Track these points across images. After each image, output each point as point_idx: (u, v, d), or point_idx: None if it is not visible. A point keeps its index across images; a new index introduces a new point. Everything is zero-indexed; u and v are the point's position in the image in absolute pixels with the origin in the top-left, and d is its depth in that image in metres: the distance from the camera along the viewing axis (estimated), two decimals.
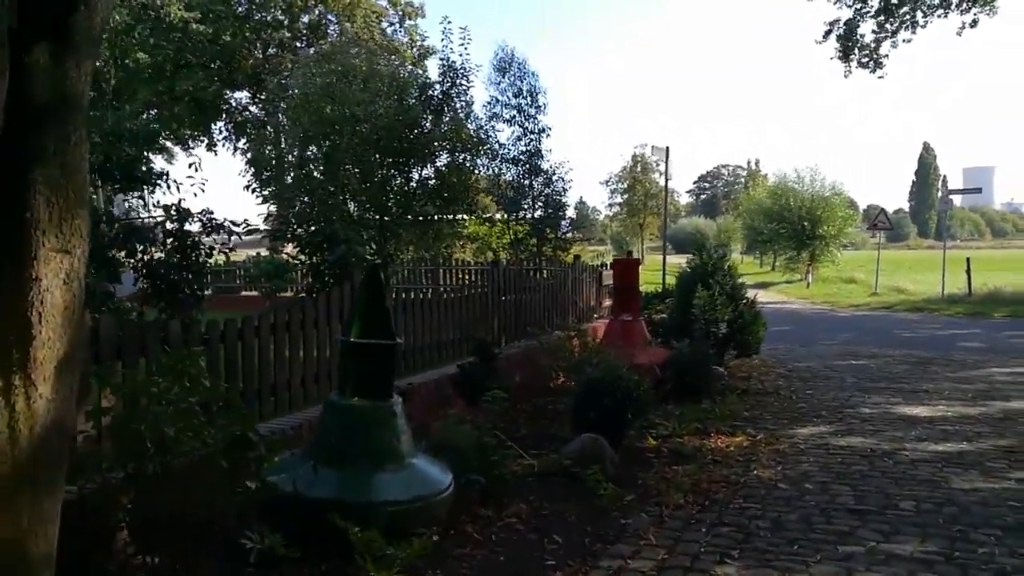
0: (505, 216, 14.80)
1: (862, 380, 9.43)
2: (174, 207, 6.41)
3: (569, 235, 15.17)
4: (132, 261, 6.17)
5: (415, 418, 6.16)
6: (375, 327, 4.29)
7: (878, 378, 9.58)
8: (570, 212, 16.64)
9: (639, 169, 70.69)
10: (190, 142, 30.99)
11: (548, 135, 14.98)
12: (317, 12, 26.79)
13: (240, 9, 26.71)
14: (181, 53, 25.13)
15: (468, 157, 12.41)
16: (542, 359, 7.89)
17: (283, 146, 11.98)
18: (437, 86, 11.92)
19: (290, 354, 5.30)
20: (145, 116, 28.59)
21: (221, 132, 27.12)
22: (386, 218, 11.99)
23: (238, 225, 6.61)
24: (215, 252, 6.74)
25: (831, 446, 6.41)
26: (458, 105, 12.35)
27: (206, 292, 6.40)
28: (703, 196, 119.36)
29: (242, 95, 25.85)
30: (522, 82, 14.84)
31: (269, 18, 26.50)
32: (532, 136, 14.64)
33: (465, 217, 20.01)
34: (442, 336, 7.25)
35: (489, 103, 14.73)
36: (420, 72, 12.86)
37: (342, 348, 4.38)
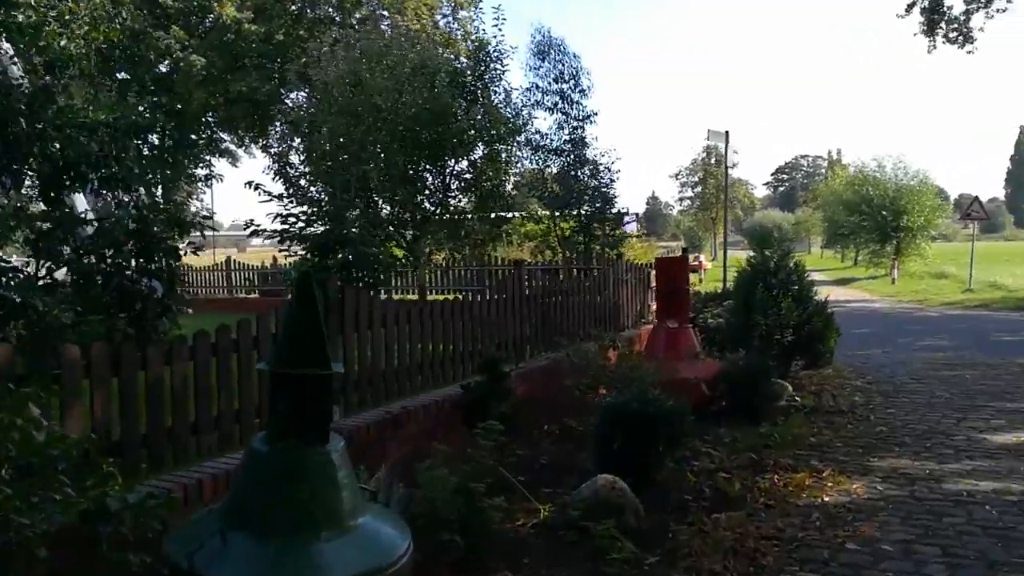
0: (549, 212, 13.76)
1: (956, 396, 8.01)
2: (131, 203, 5.67)
3: (618, 231, 14.03)
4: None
5: (408, 452, 5.25)
6: (306, 352, 3.35)
7: (975, 393, 8.14)
8: (625, 205, 15.47)
9: (712, 161, 68.34)
10: (250, 144, 31.10)
11: (593, 122, 13.92)
12: (370, 7, 26.25)
13: (293, 7, 26.46)
14: (235, 54, 25.03)
15: (505, 148, 11.45)
16: (569, 374, 6.85)
17: (304, 141, 11.28)
18: (468, 72, 10.99)
19: (240, 380, 4.43)
20: (204, 119, 28.94)
21: (276, 133, 26.92)
22: (419, 216, 11.15)
23: (209, 220, 5.84)
24: (184, 253, 5.96)
25: (917, 487, 5.16)
26: (493, 91, 11.41)
27: (175, 298, 5.59)
28: (781, 188, 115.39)
29: (300, 95, 25.59)
30: (563, 65, 13.84)
31: (321, 15, 26.12)
32: (576, 123, 13.61)
33: (517, 215, 19.13)
34: (449, 350, 6.29)
35: (529, 90, 13.79)
36: (452, 57, 11.95)
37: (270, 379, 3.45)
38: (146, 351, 3.91)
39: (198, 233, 6.04)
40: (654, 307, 9.03)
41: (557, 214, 13.54)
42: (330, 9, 26.25)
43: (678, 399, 5.42)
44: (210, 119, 29.00)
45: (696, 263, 31.69)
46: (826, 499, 4.95)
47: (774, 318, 8.34)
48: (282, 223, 8.15)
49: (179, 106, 27.56)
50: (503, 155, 11.62)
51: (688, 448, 5.70)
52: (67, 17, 6.80)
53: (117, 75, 7.20)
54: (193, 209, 35.79)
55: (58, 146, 6.29)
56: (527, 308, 7.27)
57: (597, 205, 12.92)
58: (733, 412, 6.82)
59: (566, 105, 13.98)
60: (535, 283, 7.72)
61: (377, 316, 5.47)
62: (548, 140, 13.78)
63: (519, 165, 13.85)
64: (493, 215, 12.45)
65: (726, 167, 16.25)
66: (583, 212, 13.05)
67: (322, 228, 7.91)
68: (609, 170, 13.68)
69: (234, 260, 20.76)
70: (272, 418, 3.36)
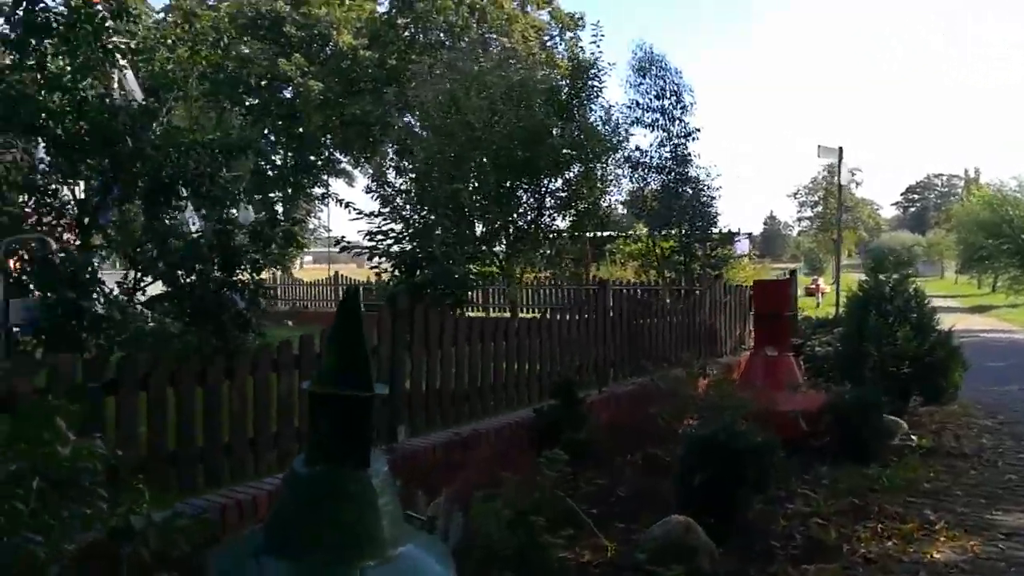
0: (648, 231, 13.34)
1: None
2: (216, 218, 5.81)
3: (721, 251, 13.41)
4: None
5: (474, 477, 5.05)
6: (347, 372, 3.22)
7: None
8: (735, 225, 14.84)
9: (834, 179, 65.28)
10: (366, 164, 32.15)
11: (696, 138, 13.41)
12: (479, 31, 26.69)
13: (407, 34, 27.26)
14: (351, 79, 26.01)
15: (601, 166, 11.19)
16: (655, 401, 6.46)
17: (404, 162, 11.43)
18: (565, 89, 10.83)
19: (302, 397, 4.36)
20: (322, 140, 30.17)
21: (388, 155, 27.75)
22: (512, 234, 11.04)
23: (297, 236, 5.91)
24: (262, 268, 6.05)
25: None
26: (590, 109, 11.20)
27: (255, 311, 5.67)
28: (912, 209, 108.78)
29: (406, 117, 26.35)
30: (664, 81, 13.41)
31: (432, 40, 26.76)
32: (678, 141, 13.15)
33: (621, 234, 18.71)
34: (524, 370, 6.06)
35: (629, 107, 13.45)
36: (549, 75, 11.83)
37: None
38: (205, 366, 3.90)
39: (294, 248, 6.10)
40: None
41: (657, 233, 13.12)
42: (440, 34, 26.87)
43: (772, 433, 4.96)
44: (327, 141, 30.18)
45: (814, 287, 30.06)
46: (937, 556, 4.36)
47: (888, 348, 7.62)
48: (370, 240, 8.23)
49: (300, 129, 28.93)
50: (599, 173, 11.36)
51: (781, 488, 5.21)
52: (170, 41, 7.13)
53: (219, 98, 7.55)
54: (311, 226, 37.23)
55: (157, 165, 6.57)
56: (612, 330, 6.95)
57: (698, 224, 12.41)
58: (837, 450, 6.22)
59: (667, 122, 13.57)
60: (622, 303, 7.38)
61: (448, 334, 5.32)
62: (648, 157, 13.41)
63: (618, 183, 13.54)
64: (591, 234, 12.19)
65: (839, 185, 15.32)
66: (683, 231, 12.57)
67: (410, 246, 7.91)
68: (711, 188, 13.16)
69: (342, 275, 21.43)
70: (311, 440, 3.24)
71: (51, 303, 4.38)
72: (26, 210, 6.36)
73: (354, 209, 9.22)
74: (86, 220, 6.78)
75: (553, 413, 5.35)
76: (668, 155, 13.50)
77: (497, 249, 11.51)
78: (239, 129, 24.56)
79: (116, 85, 7.29)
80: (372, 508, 3.17)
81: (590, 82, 11.23)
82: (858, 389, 6.64)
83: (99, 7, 6.62)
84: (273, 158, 32.74)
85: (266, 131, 31.21)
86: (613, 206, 14.10)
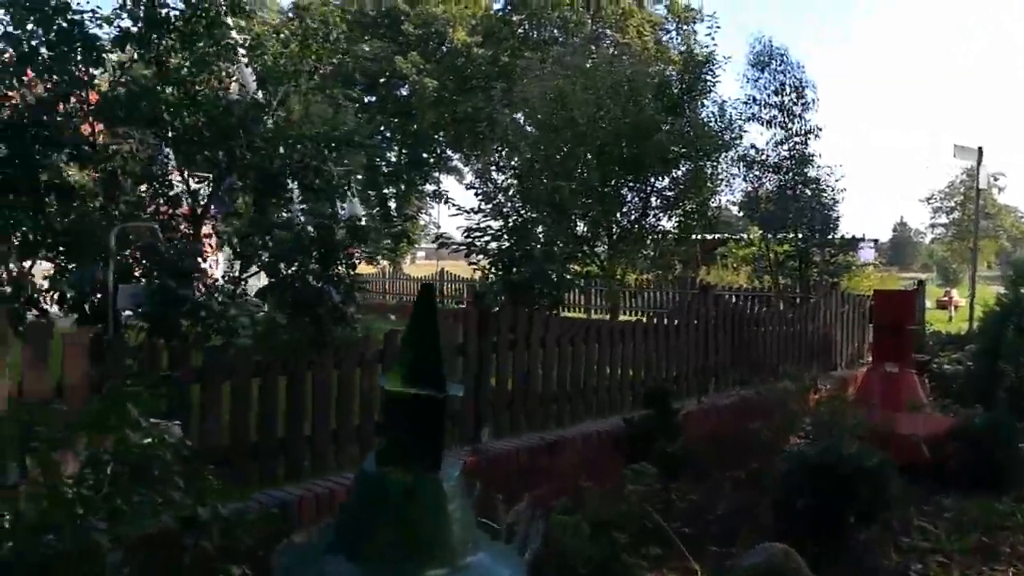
0: (761, 234, 12.70)
1: None
2: (318, 212, 5.87)
3: (842, 257, 12.58)
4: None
5: (561, 486, 4.87)
6: (420, 372, 3.10)
7: None
8: (859, 230, 13.99)
9: (973, 184, 60.67)
10: (475, 162, 32.49)
11: (817, 136, 12.63)
12: (594, 27, 26.38)
13: (520, 31, 27.30)
14: (464, 76, 26.32)
15: (711, 164, 10.70)
16: (759, 414, 6.07)
17: (508, 159, 11.33)
18: (675, 83, 10.41)
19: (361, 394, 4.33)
20: (435, 137, 30.68)
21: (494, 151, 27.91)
22: (614, 234, 10.74)
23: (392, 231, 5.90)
24: (357, 263, 6.06)
25: None
26: (701, 104, 10.71)
27: (350, 305, 5.69)
28: None
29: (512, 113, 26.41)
30: (784, 76, 12.70)
31: (546, 36, 26.68)
32: (798, 139, 12.44)
33: (734, 236, 17.99)
34: (617, 376, 5.82)
35: (745, 103, 12.83)
36: (659, 69, 11.40)
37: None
38: (288, 360, 3.91)
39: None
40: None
41: (771, 236, 12.46)
42: (555, 31, 26.74)
43: (888, 456, 4.52)
44: (439, 138, 30.68)
45: (946, 299, 27.95)
46: None
47: None
48: (467, 237, 8.20)
49: (414, 127, 29.58)
50: (708, 172, 10.89)
51: (896, 518, 4.74)
52: (282, 35, 7.29)
53: (333, 93, 7.71)
54: (422, 222, 38.00)
55: (266, 157, 6.73)
56: (714, 337, 6.59)
57: (817, 228, 11.68)
58: (964, 480, 5.64)
59: (786, 119, 12.87)
60: (727, 309, 6.99)
61: (536, 335, 5.15)
62: (764, 156, 12.77)
63: (731, 183, 12.96)
64: (700, 236, 11.71)
65: (977, 190, 14.06)
66: (800, 235, 11.87)
67: (508, 243, 7.80)
68: (832, 189, 12.37)
69: (448, 272, 21.68)
70: (383, 440, 3.16)
71: (153, 290, 4.51)
72: (143, 199, 6.65)
73: (453, 205, 9.27)
74: (199, 210, 7.04)
75: (645, 423, 5.08)
76: (786, 154, 12.82)
77: (599, 249, 11.24)
78: (354, 125, 25.46)
79: (232, 79, 7.53)
80: (442, 513, 3.06)
81: (703, 76, 10.76)
82: (991, 412, 6.02)
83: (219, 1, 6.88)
84: (388, 155, 33.77)
85: (381, 128, 32.17)
86: (725, 207, 13.53)
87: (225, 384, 3.67)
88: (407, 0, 30.13)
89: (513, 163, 10.99)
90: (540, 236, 8.08)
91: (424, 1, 29.60)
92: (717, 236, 18.72)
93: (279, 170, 6.55)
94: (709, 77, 11.07)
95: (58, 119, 5.55)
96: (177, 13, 6.12)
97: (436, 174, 32.30)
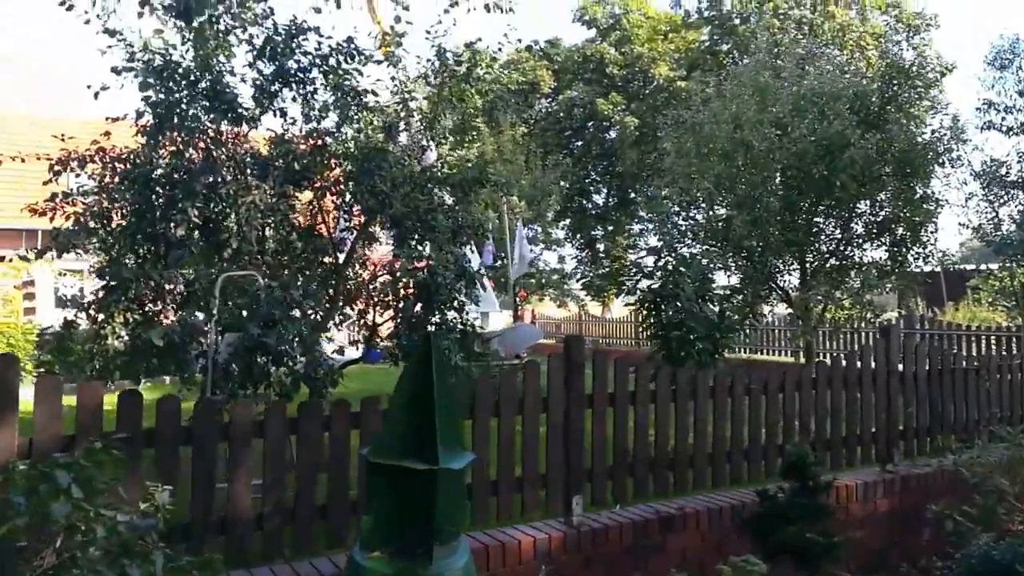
0: (1003, 263, 10.52)
1: None
2: (428, 257, 5.60)
3: None
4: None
5: (680, 568, 4.04)
6: (410, 438, 2.59)
7: None
8: None
9: None
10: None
11: None
12: (806, 47, 24.39)
13: (728, 59, 26.02)
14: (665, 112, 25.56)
15: (921, 182, 9.01)
16: (950, 492, 4.76)
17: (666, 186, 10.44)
18: (873, 94, 8.93)
19: None
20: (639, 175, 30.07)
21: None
22: (807, 266, 9.40)
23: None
24: (464, 305, 5.68)
25: None
26: (909, 113, 9.09)
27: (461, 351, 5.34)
28: None
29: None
30: None
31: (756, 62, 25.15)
32: None
33: (980, 268, 15.47)
34: (763, 437, 4.85)
35: (980, 109, 10.85)
36: (856, 80, 9.88)
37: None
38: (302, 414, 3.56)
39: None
40: None
41: (1014, 264, 10.29)
42: (764, 55, 25.12)
43: None
44: (645, 176, 30.00)
45: None
46: None
47: None
48: (620, 277, 7.54)
49: (619, 168, 29.24)
50: (921, 191, 9.20)
51: None
52: (428, 80, 7.24)
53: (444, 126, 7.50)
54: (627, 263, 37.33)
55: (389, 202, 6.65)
56: (901, 389, 5.33)
57: None
58: None
59: None
60: (924, 355, 5.65)
61: (644, 388, 4.40)
62: (1006, 170, 10.66)
63: (968, 203, 10.97)
64: (927, 267, 9.94)
65: None
66: None
67: (660, 281, 7.03)
68: None
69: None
70: (367, 519, 2.67)
71: (244, 339, 4.46)
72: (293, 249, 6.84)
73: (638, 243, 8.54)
74: (340, 257, 7.11)
75: (780, 500, 4.10)
76: None
77: (790, 284, 9.94)
78: (559, 170, 25.68)
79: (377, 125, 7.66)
80: None
81: (912, 81, 9.17)
82: None
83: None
84: (595, 197, 33.64)
85: (584, 172, 32.20)
86: (965, 232, 11.49)
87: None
88: (615, 42, 30.12)
89: (679, 195, 10.14)
90: (707, 273, 7.18)
91: (631, 42, 29.40)
92: (966, 267, 16.15)
93: (403, 214, 6.41)
94: (919, 82, 9.45)
95: (193, 173, 5.82)
96: (297, 64, 6.25)
97: (643, 213, 31.56)
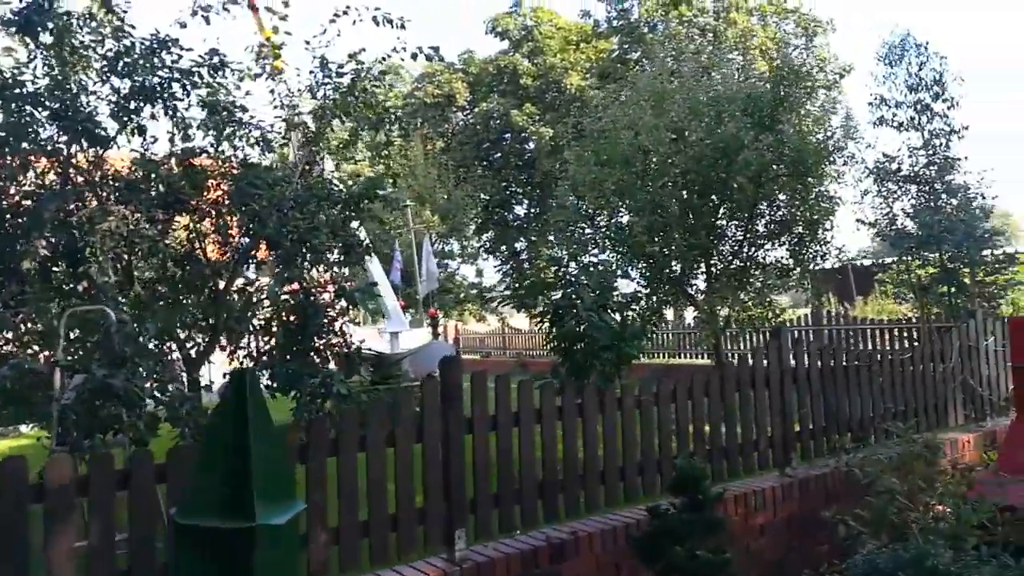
0: (899, 256, 10.78)
1: None
2: (304, 280, 5.27)
3: (997, 277, 10.39)
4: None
5: None
6: (222, 492, 2.28)
7: None
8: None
9: None
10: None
11: (961, 136, 10.65)
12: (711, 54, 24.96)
13: (637, 67, 26.40)
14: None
15: (814, 180, 9.16)
16: (844, 496, 4.71)
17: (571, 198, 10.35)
18: (765, 96, 9.03)
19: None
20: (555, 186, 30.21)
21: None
22: (710, 269, 9.41)
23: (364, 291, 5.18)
24: (339, 325, 5.38)
25: None
26: (799, 113, 9.24)
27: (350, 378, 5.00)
28: None
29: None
30: (921, 70, 10.94)
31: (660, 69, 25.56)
32: (938, 142, 10.55)
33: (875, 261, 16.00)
34: (658, 450, 4.68)
35: (872, 104, 11.12)
36: (749, 83, 10.01)
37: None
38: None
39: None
40: None
41: (909, 258, 10.54)
42: (669, 60, 25.58)
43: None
44: (556, 185, 30.14)
45: None
46: None
47: None
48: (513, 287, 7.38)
49: (537, 178, 29.27)
50: (816, 190, 9.34)
51: None
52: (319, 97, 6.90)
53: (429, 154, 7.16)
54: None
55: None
56: (792, 390, 5.27)
57: (965, 246, 9.69)
58: None
59: (924, 120, 11.03)
60: (815, 353, 5.61)
61: (528, 405, 4.17)
62: (897, 165, 10.95)
63: (863, 199, 11.20)
64: (823, 264, 10.08)
65: None
66: (944, 254, 9.89)
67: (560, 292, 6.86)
68: (983, 197, 10.30)
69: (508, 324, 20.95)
70: None
71: (88, 381, 4.04)
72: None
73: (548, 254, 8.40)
74: (221, 283, 6.68)
75: (668, 519, 3.93)
76: (924, 160, 10.95)
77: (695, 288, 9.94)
78: (475, 183, 25.46)
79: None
80: None
81: (802, 83, 9.33)
82: None
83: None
84: (516, 208, 33.61)
85: (505, 183, 32.14)
86: (858, 228, 11.72)
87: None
88: (527, 53, 30.22)
89: (580, 204, 10.06)
90: (607, 281, 7.03)
91: (543, 52, 29.55)
92: (874, 263, 16.63)
93: (281, 235, 6.04)
94: (808, 83, 9.62)
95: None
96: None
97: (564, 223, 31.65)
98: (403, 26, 7.08)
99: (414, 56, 7.02)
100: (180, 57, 5.75)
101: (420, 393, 3.98)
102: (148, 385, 4.21)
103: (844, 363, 5.69)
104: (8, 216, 5.34)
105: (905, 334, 11.93)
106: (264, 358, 5.45)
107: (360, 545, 3.66)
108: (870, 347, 11.69)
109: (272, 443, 2.36)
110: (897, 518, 4.13)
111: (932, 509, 4.26)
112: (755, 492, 4.74)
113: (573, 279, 6.80)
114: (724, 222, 9.69)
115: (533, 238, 32.43)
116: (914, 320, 11.53)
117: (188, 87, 5.82)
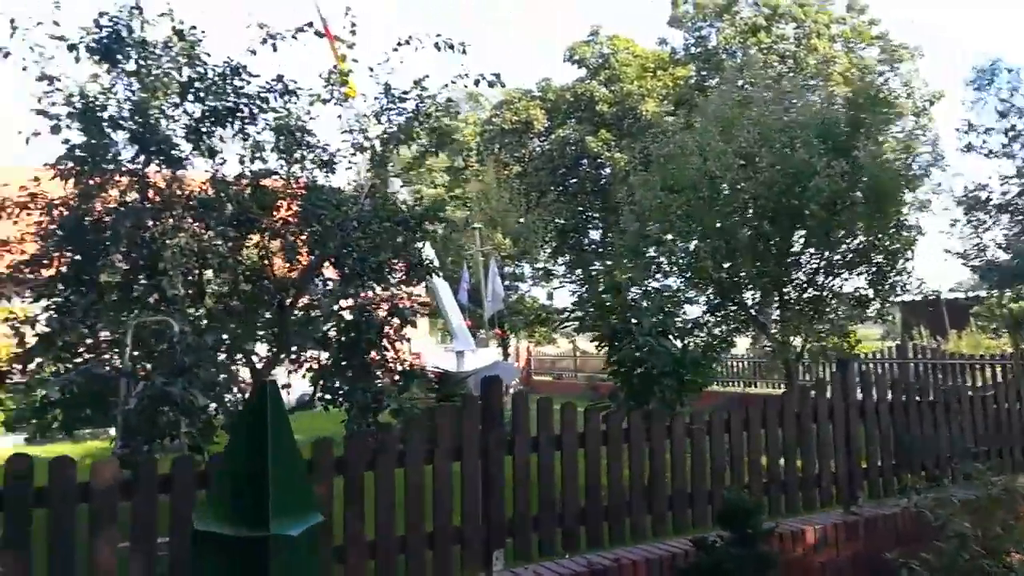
0: (988, 288, 10.18)
1: None
2: (361, 298, 5.35)
3: None
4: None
5: None
6: (238, 502, 2.30)
7: None
8: None
9: None
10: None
11: None
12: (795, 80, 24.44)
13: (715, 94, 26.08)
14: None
15: (895, 209, 8.74)
16: (911, 539, 4.41)
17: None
18: (841, 121, 8.71)
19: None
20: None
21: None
22: (785, 300, 9.09)
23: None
24: (395, 342, 5.42)
25: None
26: (876, 140, 8.85)
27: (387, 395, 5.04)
28: None
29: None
30: (1012, 96, 10.47)
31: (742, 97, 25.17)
32: None
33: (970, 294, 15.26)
34: (708, 481, 4.51)
35: (960, 130, 10.67)
36: (824, 107, 9.68)
37: None
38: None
39: None
40: None
41: (1002, 291, 9.94)
42: (741, 86, 25.17)
43: None
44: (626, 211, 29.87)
45: None
46: None
47: None
48: (573, 310, 7.29)
49: (611, 204, 29.17)
50: (896, 218, 8.92)
51: None
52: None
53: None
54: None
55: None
56: (858, 424, 5.00)
57: None
58: None
59: (1017, 147, 10.50)
60: (887, 389, 5.32)
61: (571, 432, 4.10)
62: (987, 194, 10.43)
63: (952, 229, 10.69)
64: (897, 297, 9.60)
65: None
66: None
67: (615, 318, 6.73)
68: None
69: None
70: None
71: (147, 389, 4.20)
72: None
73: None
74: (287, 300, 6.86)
75: (718, 549, 3.76)
76: (1017, 188, 10.39)
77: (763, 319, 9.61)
78: (549, 208, 25.49)
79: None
80: None
81: (880, 108, 8.97)
82: None
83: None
84: (593, 233, 33.50)
85: (581, 208, 32.12)
86: (946, 258, 11.19)
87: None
88: (604, 80, 30.30)
89: (643, 228, 9.90)
90: (667, 307, 6.86)
91: (620, 80, 29.56)
92: (967, 296, 15.83)
93: (344, 254, 6.18)
94: (887, 108, 9.25)
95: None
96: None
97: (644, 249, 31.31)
98: (464, 51, 7.18)
99: (476, 82, 7.10)
100: (248, 83, 6.00)
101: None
102: (205, 395, 4.33)
103: (919, 398, 5.38)
104: (91, 231, 5.64)
105: (998, 370, 11.24)
106: (323, 371, 5.56)
107: (397, 560, 3.65)
108: (958, 383, 11.05)
109: (290, 455, 2.39)
110: (969, 564, 3.85)
111: (1009, 557, 3.96)
112: (815, 529, 4.50)
113: (634, 303, 6.67)
114: (798, 249, 9.36)
115: (608, 262, 32.24)
116: (1008, 356, 10.85)
117: (256, 111, 6.05)
